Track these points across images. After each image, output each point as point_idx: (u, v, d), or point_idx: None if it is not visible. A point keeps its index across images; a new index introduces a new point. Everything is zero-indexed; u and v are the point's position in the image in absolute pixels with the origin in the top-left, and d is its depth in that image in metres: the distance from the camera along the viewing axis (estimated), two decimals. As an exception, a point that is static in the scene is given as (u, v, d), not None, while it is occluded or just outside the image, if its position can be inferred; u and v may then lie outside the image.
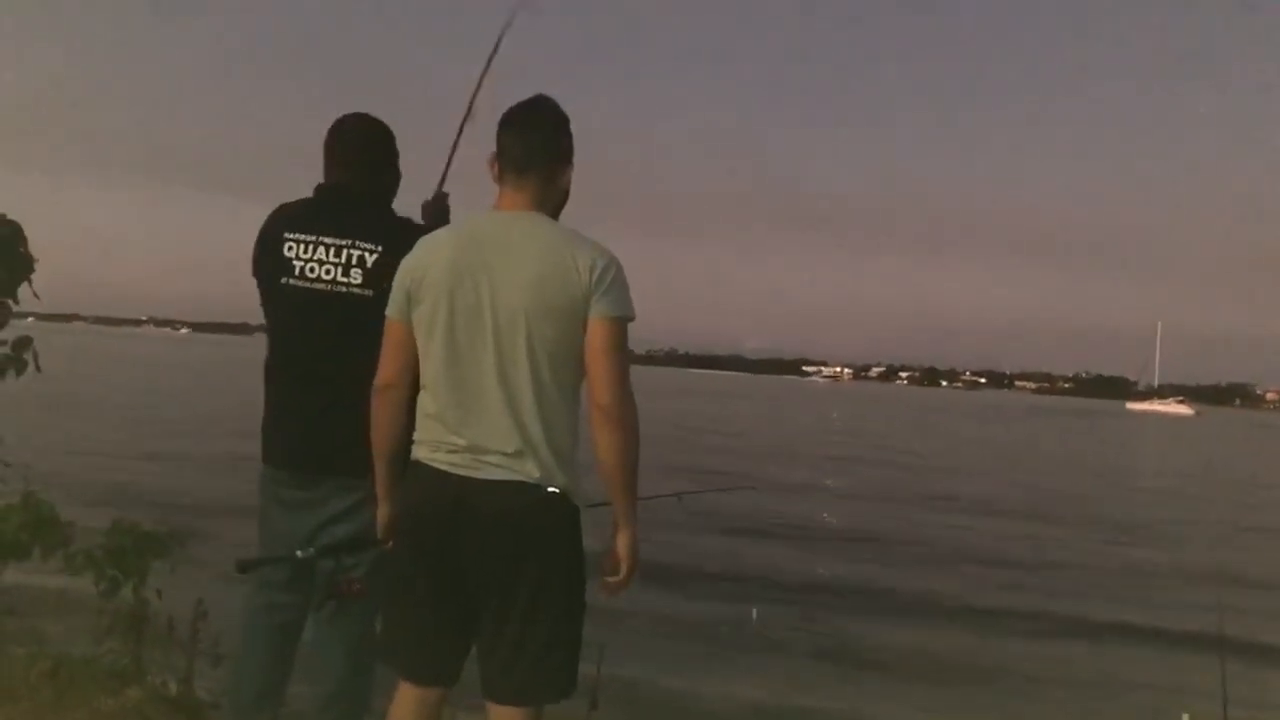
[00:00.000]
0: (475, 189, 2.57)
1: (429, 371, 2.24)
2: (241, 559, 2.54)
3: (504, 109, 2.37)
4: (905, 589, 9.56)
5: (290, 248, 2.64)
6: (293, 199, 2.79)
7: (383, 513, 2.44)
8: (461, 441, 2.17)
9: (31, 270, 4.21)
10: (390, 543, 2.41)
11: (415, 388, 2.30)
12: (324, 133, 2.79)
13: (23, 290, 4.22)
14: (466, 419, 2.18)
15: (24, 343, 4.23)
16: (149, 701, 3.54)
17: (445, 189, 3.01)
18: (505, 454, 2.16)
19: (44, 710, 3.39)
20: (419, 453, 2.25)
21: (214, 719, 3.44)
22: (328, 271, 2.61)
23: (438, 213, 2.94)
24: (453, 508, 2.17)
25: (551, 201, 2.32)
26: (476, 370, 2.18)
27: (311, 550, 2.56)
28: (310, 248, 2.62)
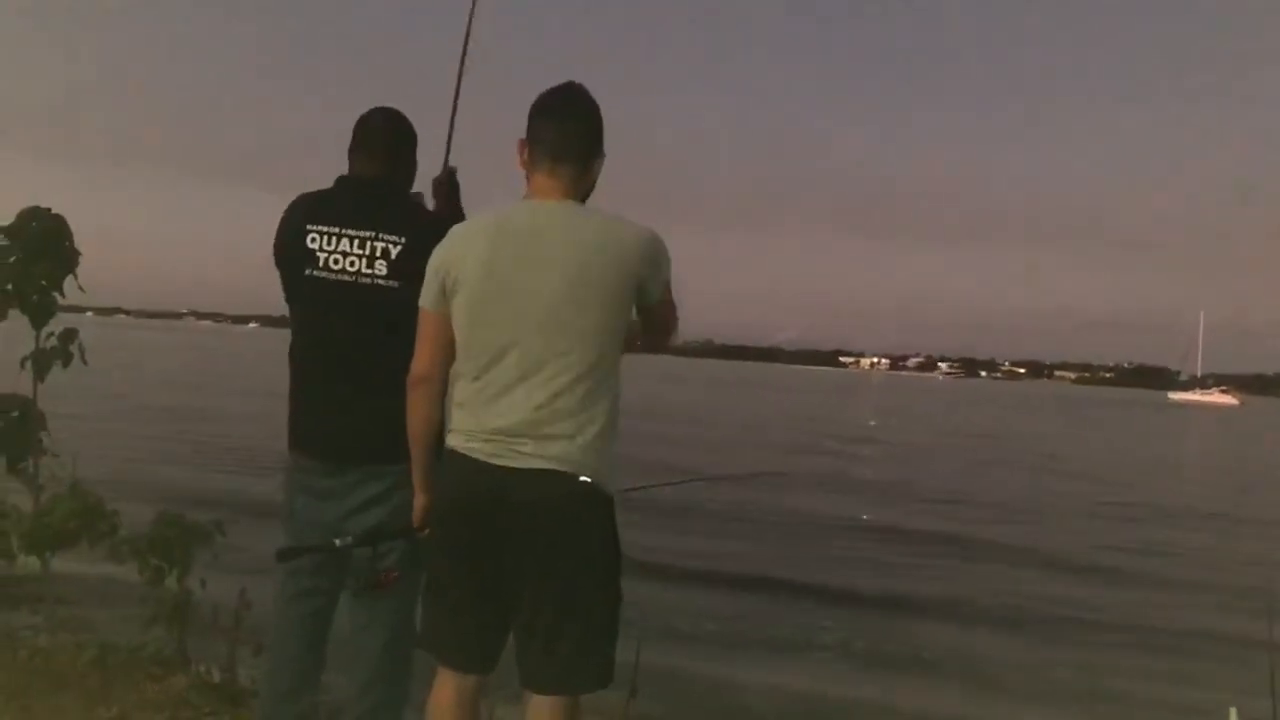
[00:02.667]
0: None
1: (468, 361, 2.23)
2: (281, 548, 2.56)
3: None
4: (946, 584, 9.49)
5: (313, 239, 2.64)
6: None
7: (421, 502, 2.44)
8: (500, 431, 2.17)
9: (76, 264, 4.28)
10: (426, 530, 2.43)
11: (447, 378, 2.30)
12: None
13: (68, 283, 4.30)
14: (506, 408, 2.17)
15: (70, 335, 4.30)
16: (193, 689, 3.60)
17: (451, 164, 3.01)
18: (544, 443, 2.15)
19: (92, 696, 3.45)
20: (455, 441, 2.24)
21: (256, 706, 3.47)
22: (352, 263, 2.61)
23: (450, 187, 2.94)
24: (491, 497, 2.17)
25: (583, 191, 2.31)
26: (518, 359, 2.17)
27: (350, 539, 2.57)
28: (334, 239, 2.63)
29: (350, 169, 2.77)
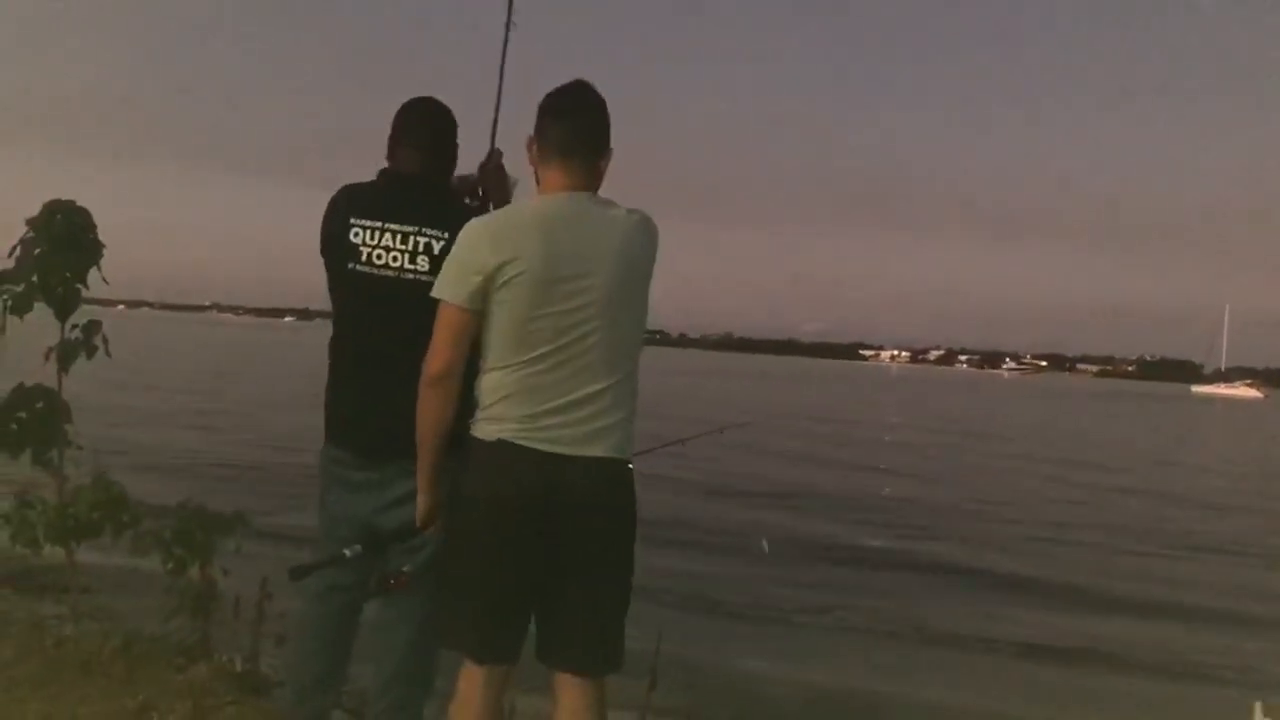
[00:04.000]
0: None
1: (517, 351, 2.23)
2: (294, 566, 2.52)
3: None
4: (971, 570, 9.47)
5: (356, 234, 2.65)
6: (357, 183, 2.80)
7: (428, 501, 2.42)
8: (556, 420, 2.20)
9: (100, 256, 4.30)
10: (429, 530, 2.43)
11: (466, 372, 2.30)
12: (383, 119, 2.80)
13: (92, 275, 4.32)
14: (566, 397, 2.21)
15: (94, 327, 4.33)
16: (216, 678, 3.62)
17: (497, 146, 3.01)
18: (601, 431, 2.23)
19: (117, 685, 3.48)
20: (503, 433, 2.23)
21: (279, 696, 3.49)
22: (394, 259, 2.62)
23: (495, 171, 2.92)
24: (548, 486, 2.19)
25: (593, 187, 2.35)
26: (579, 350, 2.21)
27: (359, 548, 2.56)
28: (377, 234, 2.63)
29: (391, 160, 2.77)
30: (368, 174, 2.80)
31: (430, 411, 2.31)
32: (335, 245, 2.69)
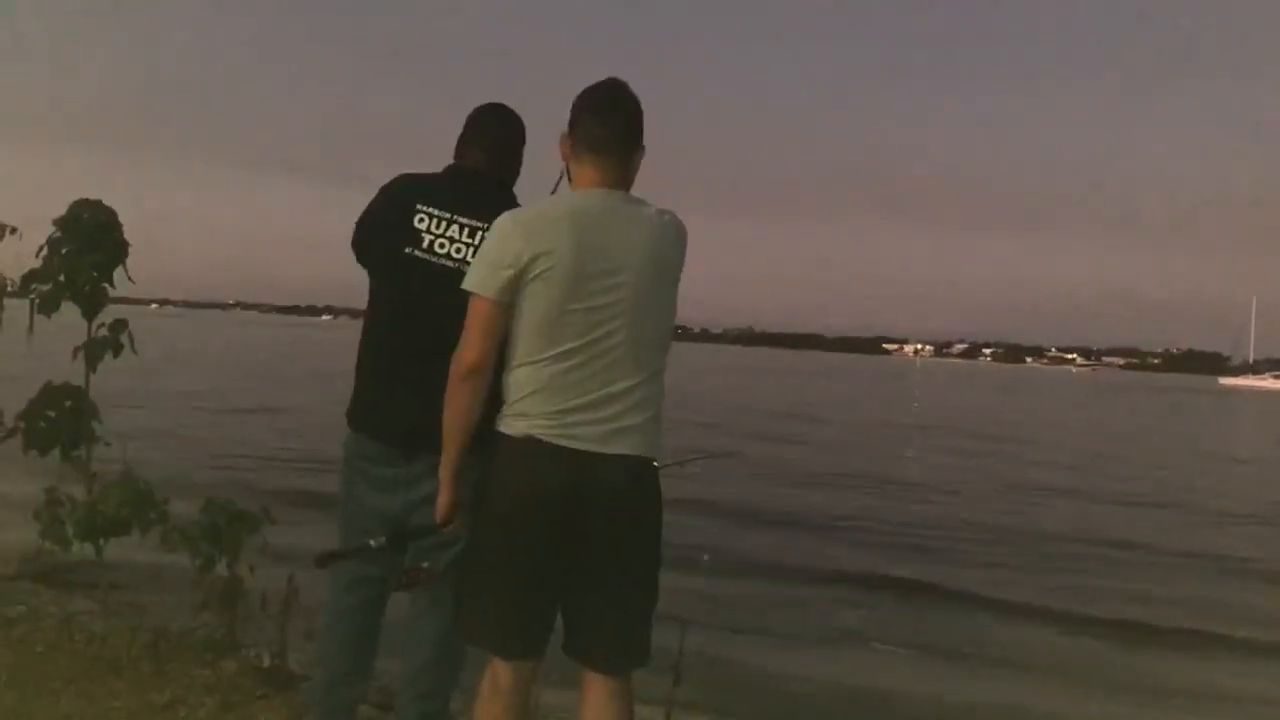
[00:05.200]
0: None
1: (544, 347, 2.22)
2: (320, 553, 2.53)
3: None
4: (989, 577, 9.38)
5: (421, 220, 2.64)
6: (381, 183, 2.80)
7: (449, 497, 2.40)
8: (584, 417, 2.20)
9: (125, 255, 4.35)
10: (451, 526, 2.42)
11: (496, 370, 2.30)
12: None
13: (117, 274, 4.37)
14: (594, 394, 2.22)
15: (120, 325, 4.37)
16: (244, 673, 3.65)
17: None
18: (625, 429, 2.22)
19: (146, 680, 3.51)
20: (530, 429, 2.23)
21: (306, 690, 3.52)
22: (458, 250, 2.61)
23: None
24: (576, 483, 2.19)
25: (627, 183, 2.36)
26: (607, 347, 2.21)
27: (384, 539, 2.56)
28: (443, 224, 2.63)
29: (458, 158, 2.78)
30: (392, 173, 2.81)
31: (459, 405, 2.29)
32: (392, 230, 2.67)
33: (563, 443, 2.20)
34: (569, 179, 2.40)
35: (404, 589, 2.64)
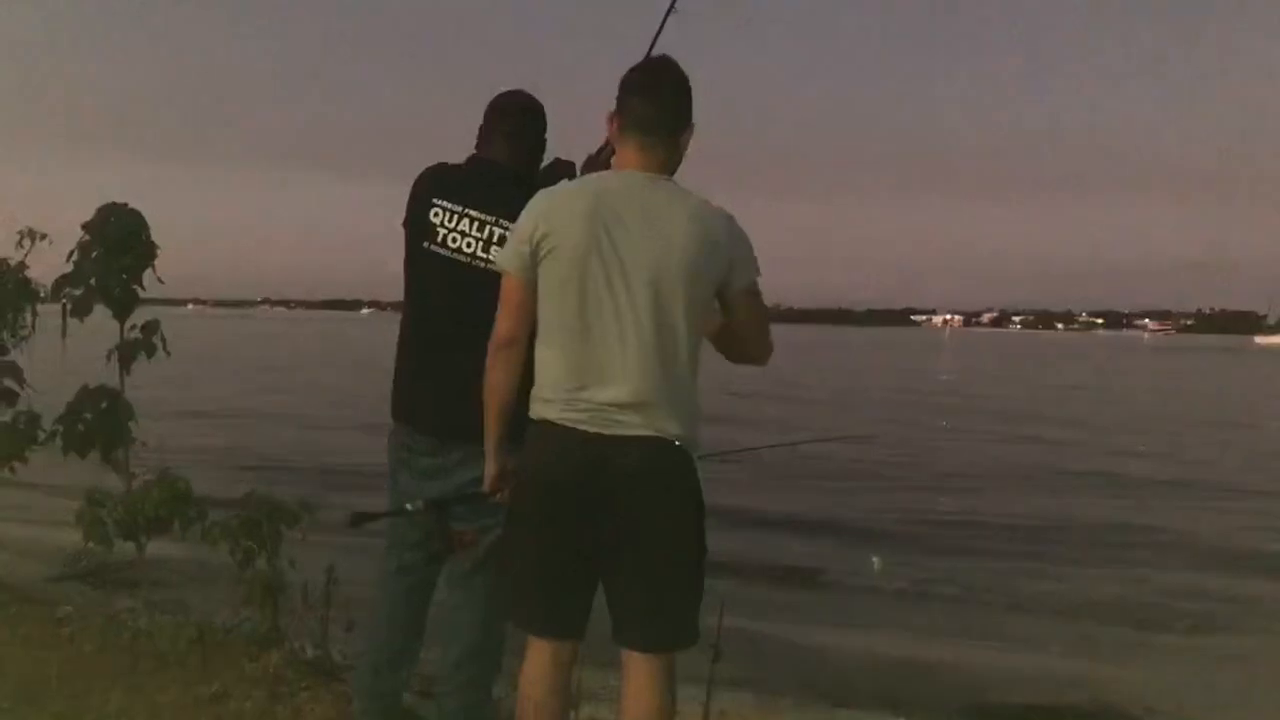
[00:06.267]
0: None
1: (560, 327, 2.23)
2: (355, 512, 2.59)
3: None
4: (1033, 541, 9.35)
5: (436, 214, 2.66)
6: (409, 177, 2.81)
7: (493, 466, 2.43)
8: (597, 399, 2.18)
9: (154, 257, 4.38)
10: (498, 496, 2.44)
11: (532, 344, 2.30)
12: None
13: (146, 276, 4.40)
14: (602, 376, 2.19)
15: (152, 327, 4.41)
16: (288, 665, 3.69)
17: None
18: (643, 411, 2.18)
19: (193, 675, 3.56)
20: (547, 412, 2.24)
21: (349, 680, 3.55)
22: (468, 244, 2.62)
23: (603, 166, 2.90)
24: (589, 465, 2.19)
25: (674, 164, 2.34)
26: (615, 328, 2.18)
27: (420, 504, 2.60)
28: (455, 218, 2.64)
29: (479, 148, 2.78)
30: (415, 168, 2.82)
31: (492, 379, 2.33)
32: (414, 222, 2.71)
33: (573, 425, 2.20)
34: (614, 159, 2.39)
35: (448, 553, 2.69)
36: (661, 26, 2.91)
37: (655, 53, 2.67)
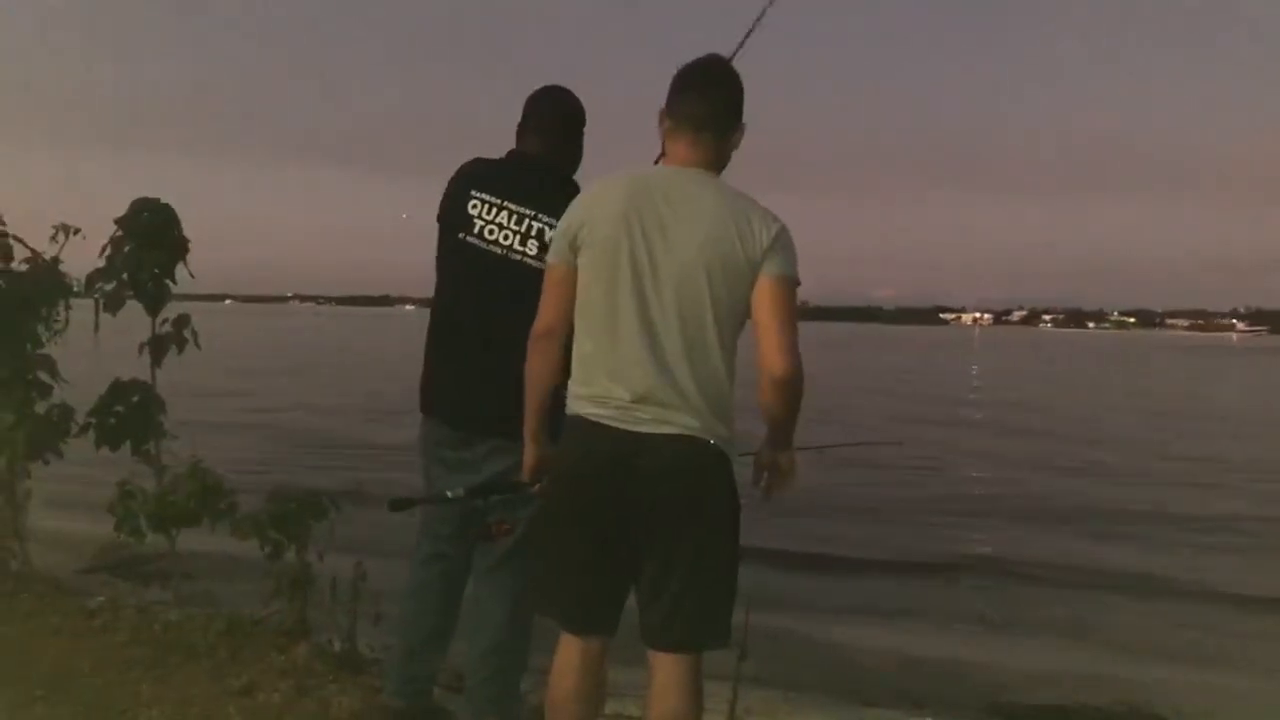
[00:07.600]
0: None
1: (591, 321, 2.23)
2: (394, 498, 2.60)
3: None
4: (1067, 547, 9.25)
5: (474, 205, 2.67)
6: (445, 173, 2.83)
7: (531, 455, 2.43)
8: (627, 395, 2.17)
9: (187, 251, 4.42)
10: (537, 484, 2.44)
11: (571, 335, 2.30)
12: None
13: (178, 270, 4.44)
14: (632, 372, 2.17)
15: (183, 321, 4.45)
16: (316, 658, 3.70)
17: None
18: (672, 408, 2.16)
19: (222, 666, 3.59)
20: (579, 408, 2.24)
21: (377, 674, 3.57)
22: (505, 237, 2.63)
23: None
24: (617, 461, 2.18)
25: (722, 161, 2.34)
26: (646, 323, 2.17)
27: (461, 491, 2.60)
28: (494, 210, 2.65)
29: (519, 143, 2.80)
30: (452, 165, 2.83)
31: (531, 368, 2.34)
32: (452, 214, 2.72)
33: (605, 421, 2.19)
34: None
35: (483, 540, 2.72)
36: (749, 34, 2.93)
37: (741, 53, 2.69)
